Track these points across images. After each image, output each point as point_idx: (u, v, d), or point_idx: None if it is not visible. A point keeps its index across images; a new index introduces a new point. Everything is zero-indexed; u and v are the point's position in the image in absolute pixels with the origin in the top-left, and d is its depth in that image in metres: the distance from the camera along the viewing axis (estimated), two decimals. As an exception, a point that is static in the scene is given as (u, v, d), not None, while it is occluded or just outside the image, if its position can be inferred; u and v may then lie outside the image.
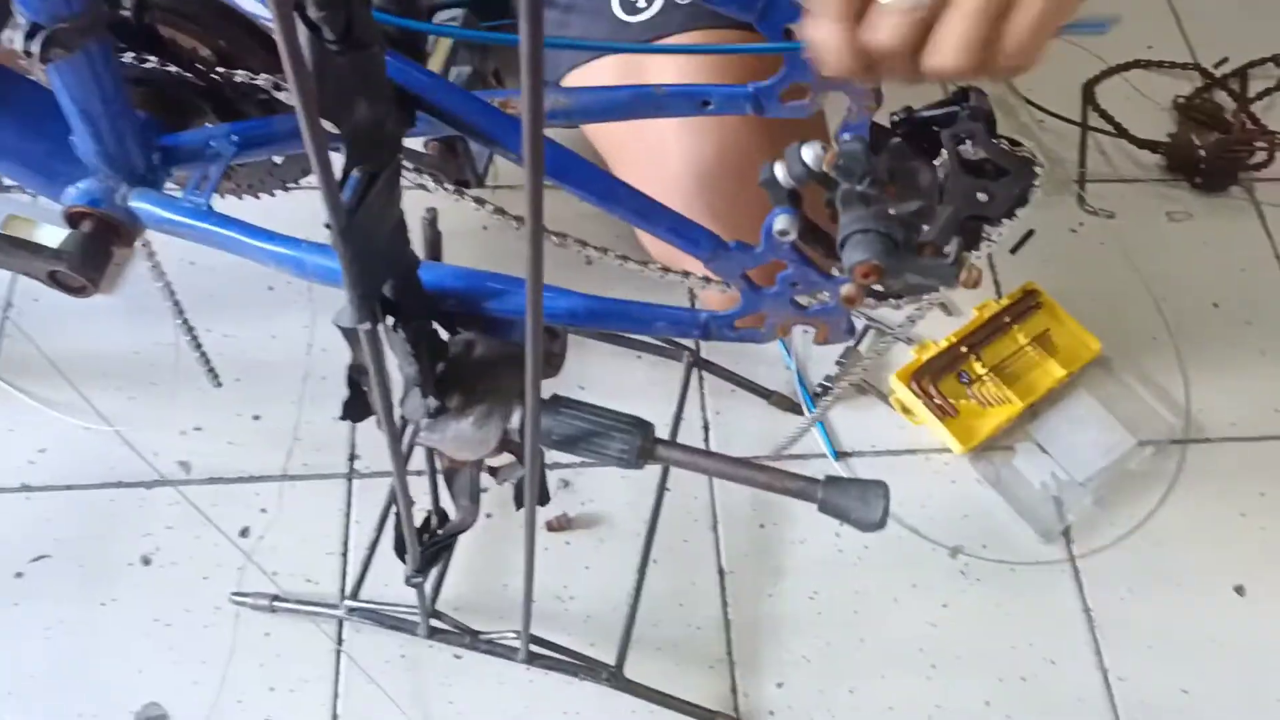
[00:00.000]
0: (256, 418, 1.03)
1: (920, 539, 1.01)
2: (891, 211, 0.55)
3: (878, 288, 0.63)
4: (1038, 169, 0.65)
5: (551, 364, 0.65)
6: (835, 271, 0.57)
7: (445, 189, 0.68)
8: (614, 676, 0.89)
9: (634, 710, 0.91)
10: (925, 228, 0.58)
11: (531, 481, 0.61)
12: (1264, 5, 1.47)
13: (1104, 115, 1.29)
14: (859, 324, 1.11)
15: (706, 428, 1.06)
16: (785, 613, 0.97)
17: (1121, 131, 1.28)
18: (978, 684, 0.95)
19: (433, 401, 0.63)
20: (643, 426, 0.63)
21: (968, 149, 0.63)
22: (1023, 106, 1.30)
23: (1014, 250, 1.18)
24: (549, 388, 0.99)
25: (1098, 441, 1.06)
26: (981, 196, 0.62)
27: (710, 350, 1.08)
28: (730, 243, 0.56)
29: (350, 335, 0.59)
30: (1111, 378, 1.11)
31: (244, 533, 0.98)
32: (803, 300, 0.59)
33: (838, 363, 1.08)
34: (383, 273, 0.56)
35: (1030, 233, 1.19)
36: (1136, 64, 1.36)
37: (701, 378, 1.08)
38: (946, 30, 0.47)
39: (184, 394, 1.03)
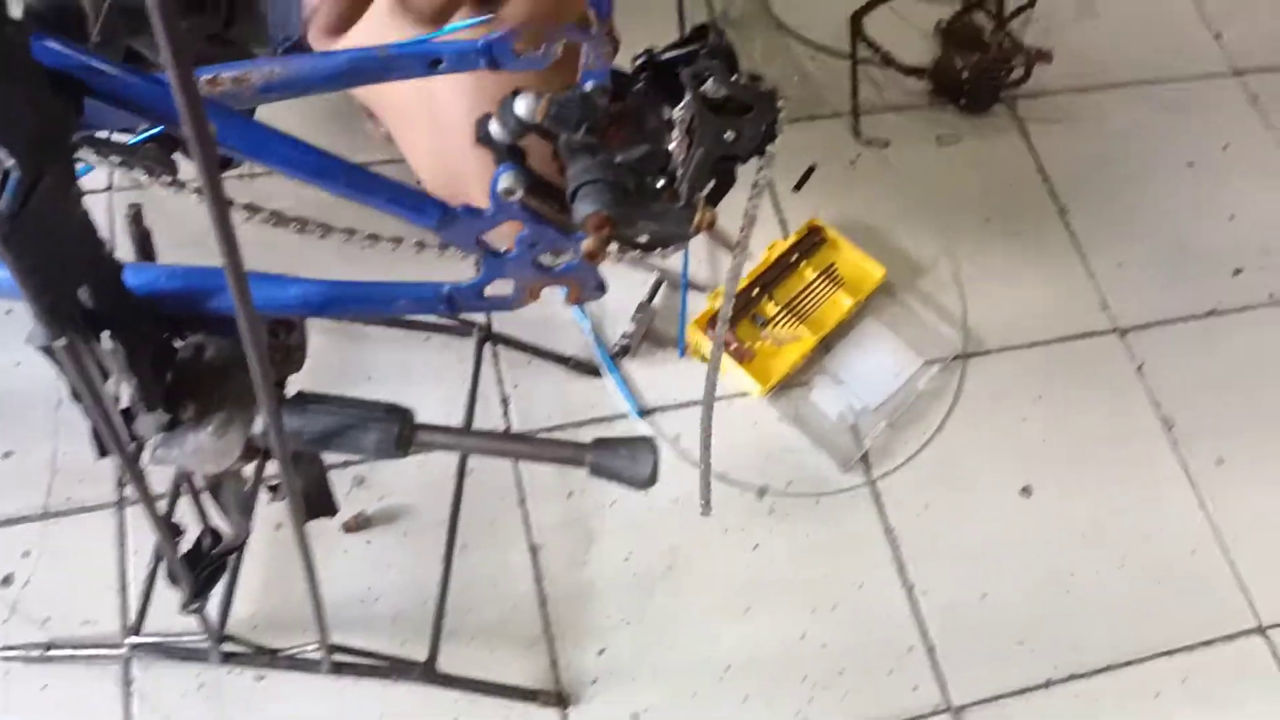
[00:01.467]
0: (7, 454, 0.94)
1: (728, 484, 1.01)
2: (619, 159, 0.52)
3: (641, 240, 0.61)
4: (779, 103, 0.64)
5: (292, 358, 0.60)
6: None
7: (162, 183, 0.62)
8: (426, 673, 0.85)
9: (455, 701, 0.88)
10: (662, 177, 0.56)
11: (291, 484, 0.57)
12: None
13: (871, 45, 1.31)
14: (651, 277, 1.10)
15: (505, 402, 1.03)
16: (601, 579, 0.96)
17: (888, 60, 1.30)
18: (793, 618, 0.96)
19: (162, 415, 0.58)
20: (399, 414, 0.60)
21: (710, 88, 0.61)
22: (794, 42, 1.30)
23: (797, 188, 1.19)
24: (313, 381, 0.93)
25: (887, 366, 1.09)
26: (729, 135, 0.61)
27: (503, 322, 1.05)
28: (457, 208, 0.52)
29: (50, 355, 0.53)
30: (896, 302, 1.13)
31: (6, 580, 0.89)
32: (545, 260, 0.56)
33: (633, 319, 1.06)
34: (72, 280, 0.50)
35: (812, 168, 1.20)
36: (898, -8, 1.38)
37: (495, 352, 1.04)
38: None
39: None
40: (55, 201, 0.46)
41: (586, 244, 0.54)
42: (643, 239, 0.62)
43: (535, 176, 0.52)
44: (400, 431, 0.59)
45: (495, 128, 0.50)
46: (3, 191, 0.43)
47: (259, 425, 0.59)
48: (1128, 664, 0.99)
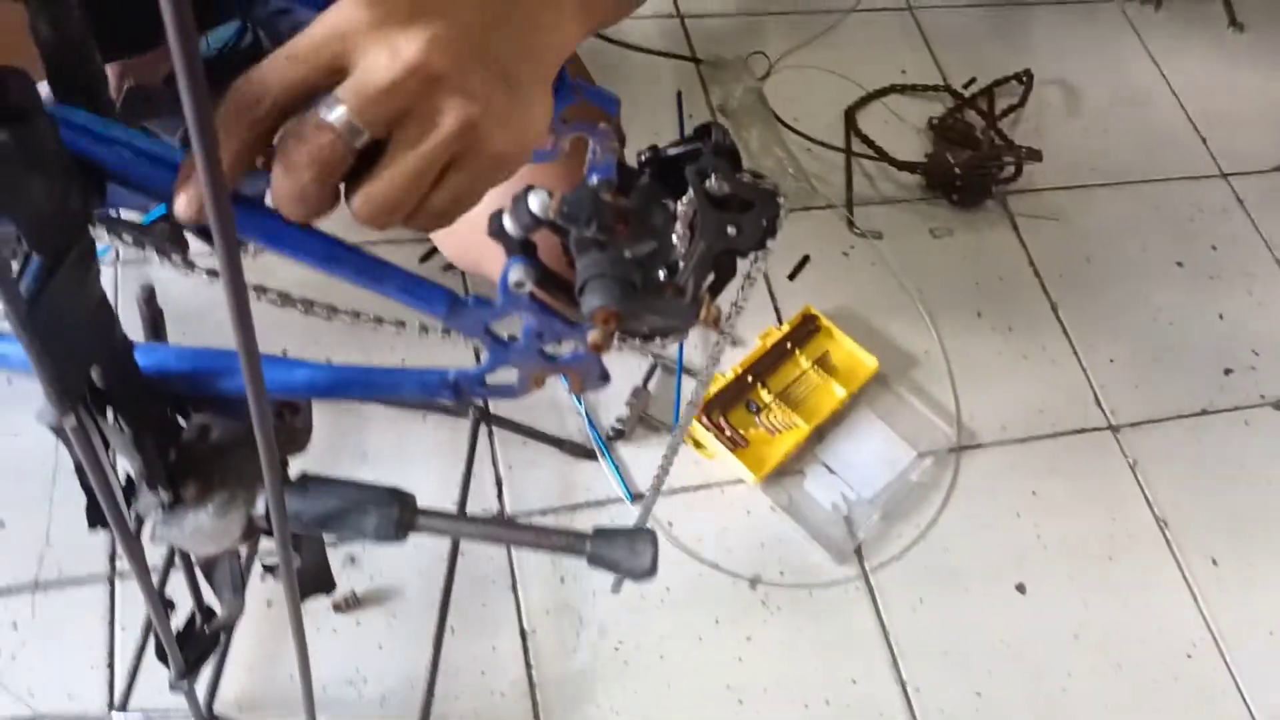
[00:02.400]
0: (0, 525, 0.94)
1: (720, 573, 1.01)
2: (627, 254, 0.54)
3: (644, 330, 0.62)
4: (780, 200, 0.66)
5: (297, 440, 0.61)
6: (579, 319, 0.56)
7: (172, 263, 0.63)
8: (414, 759, 0.84)
9: (441, 790, 0.87)
10: (664, 269, 0.57)
11: (288, 567, 0.57)
12: (1007, 26, 1.59)
13: (865, 140, 1.35)
14: (646, 363, 1.11)
15: (500, 484, 1.03)
16: (591, 667, 0.95)
17: (882, 155, 1.33)
18: (785, 713, 0.95)
19: (164, 494, 0.58)
20: (400, 498, 0.60)
21: (713, 184, 0.63)
22: (790, 135, 1.34)
23: (791, 277, 1.21)
24: (311, 459, 0.93)
25: (880, 457, 1.09)
26: (731, 230, 0.63)
27: (499, 404, 1.06)
28: (467, 298, 0.53)
29: (59, 433, 0.54)
30: (889, 393, 1.14)
31: (-8, 653, 0.88)
32: (551, 350, 0.57)
33: (627, 403, 1.07)
34: (84, 360, 0.51)
35: (806, 259, 1.23)
36: (893, 89, 1.43)
37: (491, 433, 1.05)
38: (380, 182, 0.45)
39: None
40: (74, 284, 0.47)
41: (593, 336, 0.55)
42: (644, 330, 0.63)
43: (545, 270, 0.53)
44: (400, 516, 0.59)
45: (508, 222, 0.51)
46: (23, 275, 0.44)
47: (259, 506, 0.59)
48: (1122, 766, 0.98)
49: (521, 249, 0.52)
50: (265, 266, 0.63)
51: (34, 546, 0.92)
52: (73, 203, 0.44)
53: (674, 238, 0.64)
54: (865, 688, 0.97)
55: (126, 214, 0.69)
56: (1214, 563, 1.10)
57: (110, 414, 0.55)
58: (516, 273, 0.52)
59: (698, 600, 0.99)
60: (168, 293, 0.69)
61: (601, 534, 0.60)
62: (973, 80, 1.46)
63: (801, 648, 0.99)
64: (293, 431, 0.59)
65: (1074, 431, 1.17)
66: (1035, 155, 1.31)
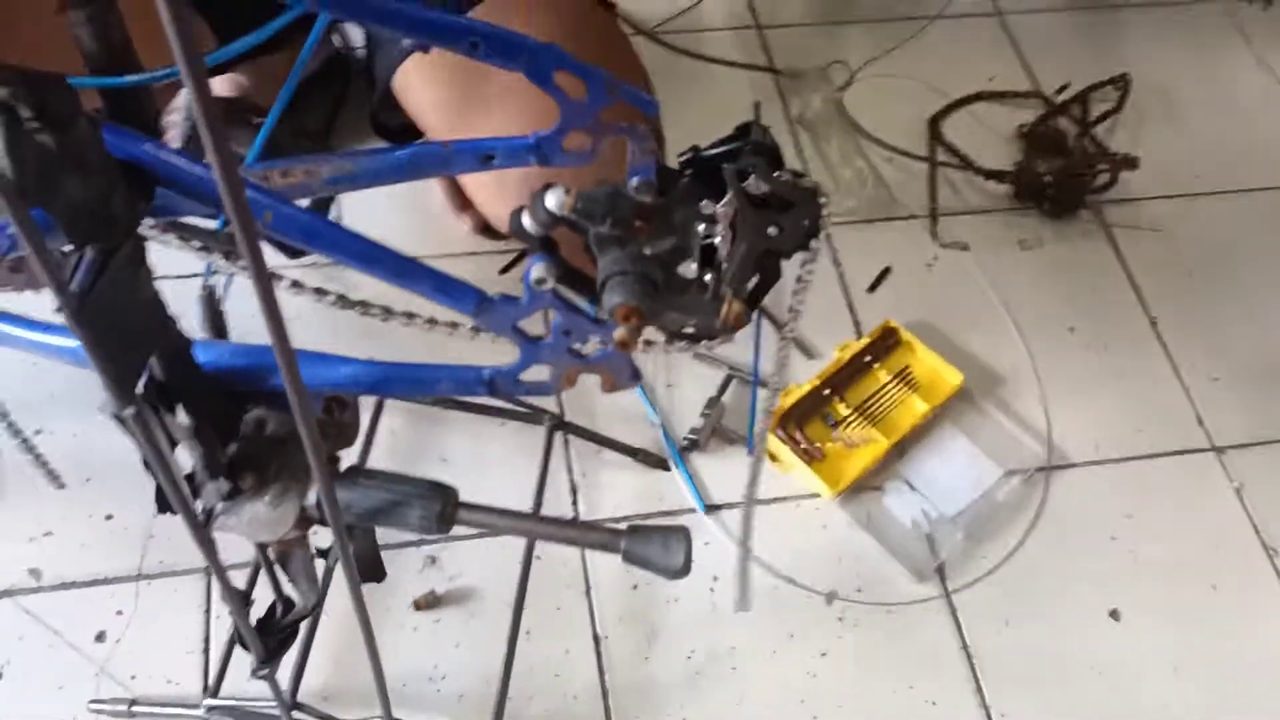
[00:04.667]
0: (109, 517, 1.00)
1: (795, 588, 1.00)
2: (647, 251, 0.55)
3: (673, 328, 0.63)
4: (823, 198, 0.66)
5: (344, 435, 0.64)
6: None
7: (240, 267, 0.68)
8: (485, 755, 0.86)
9: (512, 787, 0.89)
10: (709, 270, 0.58)
11: (346, 555, 0.60)
12: (1099, 30, 1.53)
13: (950, 149, 1.32)
14: (722, 373, 1.11)
15: (575, 491, 1.05)
16: (663, 675, 0.95)
17: (968, 163, 1.31)
18: (858, 731, 0.93)
19: (224, 484, 0.62)
20: (443, 491, 0.62)
21: (752, 184, 0.64)
22: (870, 144, 1.32)
23: (871, 289, 1.20)
24: (392, 461, 0.98)
25: (965, 475, 1.06)
26: (772, 231, 0.63)
27: (574, 411, 1.08)
28: (495, 296, 0.56)
29: (121, 423, 0.58)
30: (975, 409, 1.12)
31: (100, 637, 0.94)
32: (580, 348, 0.59)
33: (702, 414, 1.08)
34: (140, 354, 0.55)
35: (887, 270, 1.21)
36: (979, 96, 1.39)
37: (567, 441, 1.07)
38: None
39: (30, 499, 1.00)
40: (124, 281, 0.51)
41: (619, 333, 0.56)
42: (688, 330, 0.64)
43: (567, 267, 0.55)
44: (443, 509, 0.61)
45: (527, 220, 0.53)
46: (75, 273, 0.48)
47: (311, 497, 0.62)
48: (1222, 804, 0.93)
49: (542, 245, 0.54)
50: (341, 278, 0.67)
51: (138, 538, 0.99)
52: (116, 205, 0.48)
53: (715, 239, 0.65)
54: (945, 710, 0.95)
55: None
56: (1326, 593, 1.03)
57: (175, 409, 0.59)
58: (539, 270, 0.54)
59: (772, 614, 0.99)
60: (248, 299, 0.73)
61: (636, 531, 0.61)
62: (1065, 86, 1.41)
63: (879, 666, 0.97)
64: (341, 426, 0.62)
65: (1174, 453, 1.11)
66: (1132, 163, 1.26)
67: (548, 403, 1.06)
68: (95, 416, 1.08)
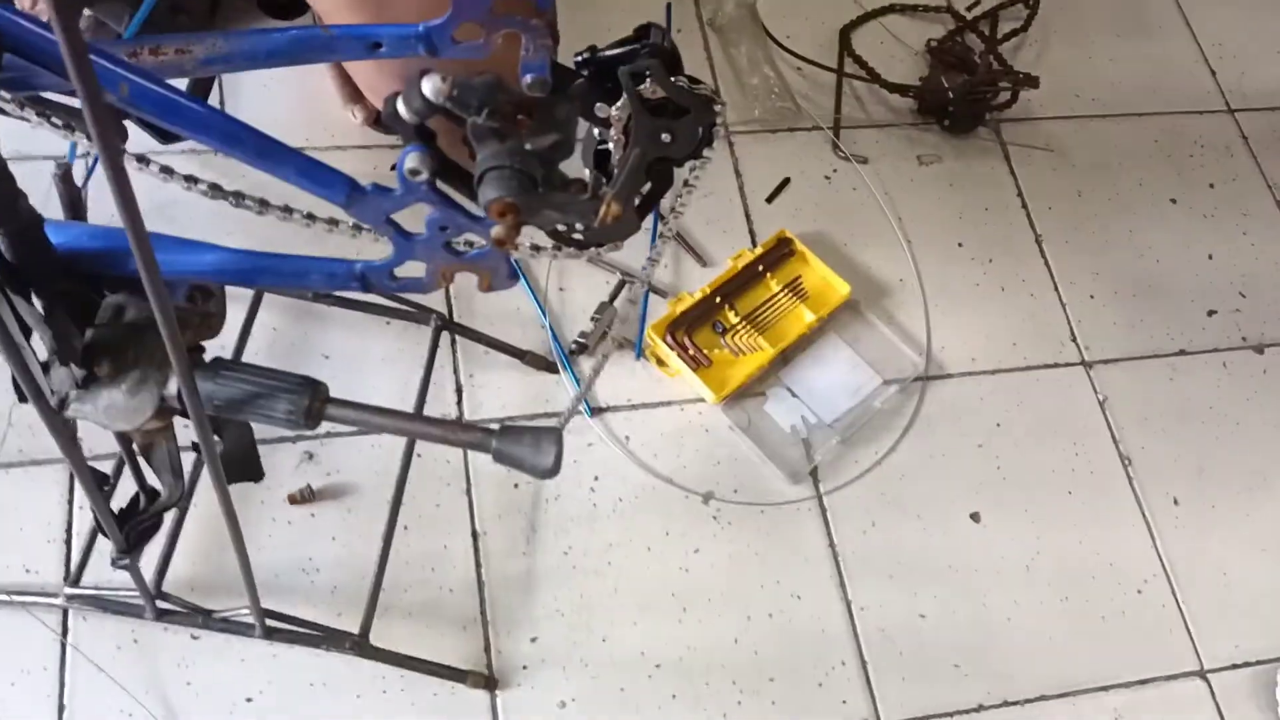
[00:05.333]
0: (-38, 408, 0.96)
1: (673, 487, 1.02)
2: (528, 147, 0.53)
3: (553, 227, 0.62)
4: (718, 106, 0.65)
5: (209, 324, 0.62)
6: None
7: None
8: (358, 645, 0.86)
9: (384, 676, 0.90)
10: (600, 175, 0.57)
11: (208, 446, 0.58)
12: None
13: (858, 60, 1.32)
14: (615, 279, 1.11)
15: (459, 391, 1.04)
16: (539, 569, 0.97)
17: (875, 77, 1.30)
18: (727, 623, 0.97)
19: (78, 371, 0.59)
20: (312, 386, 0.61)
21: (648, 88, 0.62)
22: (781, 53, 1.31)
23: (770, 199, 1.20)
24: (270, 358, 0.94)
25: (845, 383, 1.09)
26: (665, 137, 0.62)
27: (464, 313, 1.06)
28: (366, 185, 0.54)
29: (-34, 302, 0.55)
30: (860, 320, 1.14)
31: (-44, 527, 0.91)
32: (457, 245, 0.57)
33: (593, 318, 1.07)
34: (-15, 231, 0.52)
35: (786, 181, 1.21)
36: (891, 9, 1.39)
37: (454, 341, 1.06)
38: None
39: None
40: (-32, 152, 0.48)
41: (497, 230, 0.55)
42: (576, 235, 0.63)
43: (443, 159, 0.53)
44: (310, 404, 0.60)
45: (402, 107, 0.51)
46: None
47: (171, 387, 0.60)
48: (1062, 695, 0.99)
49: (418, 135, 0.52)
50: (219, 166, 0.63)
51: (-5, 430, 0.95)
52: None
53: (609, 143, 0.63)
54: (810, 604, 0.99)
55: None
56: (1175, 502, 1.10)
57: (24, 291, 0.56)
58: (412, 160, 0.52)
59: (649, 512, 1.01)
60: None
61: (508, 431, 0.60)
62: (976, 2, 1.41)
63: (749, 563, 1.00)
64: (205, 316, 0.60)
65: (1046, 366, 1.16)
66: (1032, 81, 1.27)
67: (436, 302, 1.04)
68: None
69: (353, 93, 1.13)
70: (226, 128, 0.51)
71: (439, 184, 0.54)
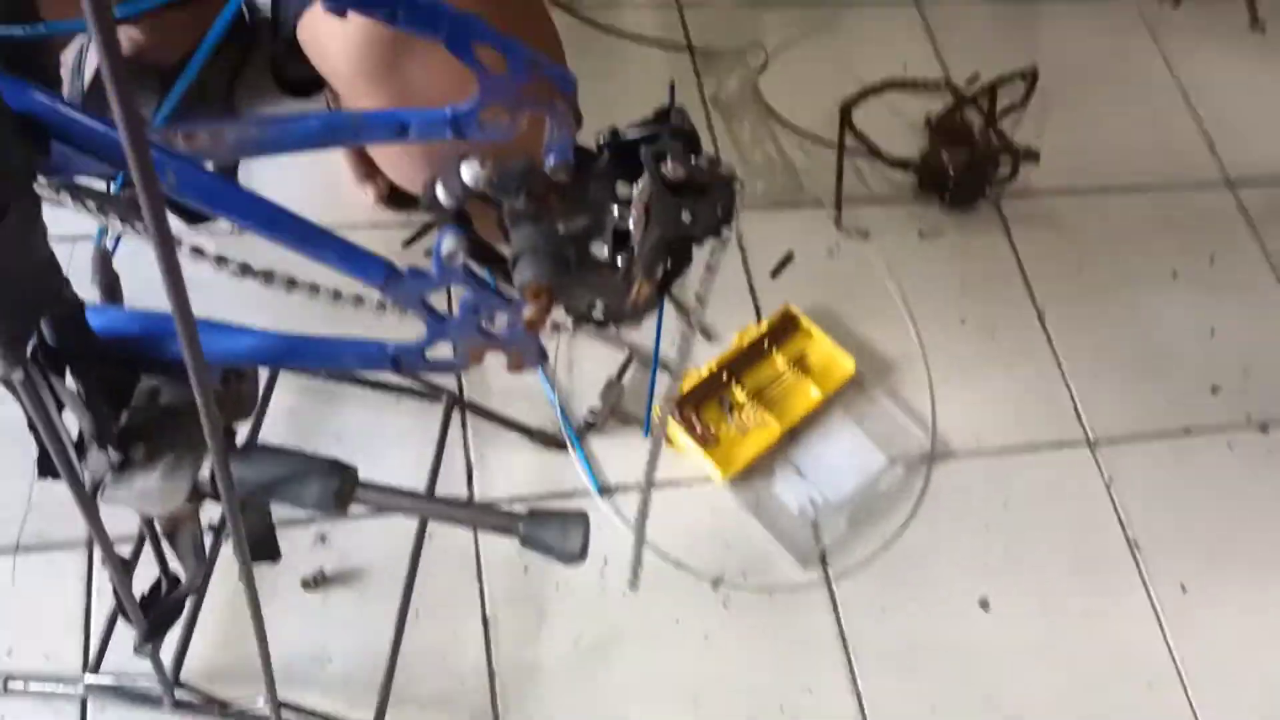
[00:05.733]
0: (-14, 490, 0.96)
1: (683, 571, 1.01)
2: (561, 229, 0.55)
3: (583, 308, 0.63)
4: (736, 186, 0.66)
5: (241, 407, 0.62)
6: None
7: (137, 232, 0.65)
8: (370, 735, 0.85)
9: (397, 767, 0.88)
10: (620, 253, 0.58)
11: (238, 530, 0.58)
12: (1014, 19, 1.58)
13: (859, 136, 1.35)
14: (621, 354, 1.12)
15: (470, 470, 1.04)
16: (550, 657, 0.96)
17: (875, 152, 1.33)
18: (737, 717, 0.95)
19: (114, 454, 0.59)
20: (341, 469, 0.61)
21: (669, 168, 0.64)
22: (783, 129, 1.34)
23: (774, 274, 1.22)
24: (284, 438, 0.95)
25: (851, 462, 1.09)
26: (685, 216, 0.63)
27: (472, 389, 1.07)
28: (404, 269, 0.55)
29: (8, 386, 0.55)
30: (865, 396, 1.15)
31: (-23, 613, 0.90)
32: (488, 325, 0.58)
33: (601, 395, 1.08)
34: (33, 315, 0.53)
35: (790, 256, 1.23)
36: (892, 84, 1.42)
37: (464, 419, 1.06)
38: None
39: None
40: (18, 237, 0.49)
41: (529, 312, 0.56)
42: (596, 314, 0.64)
43: (478, 241, 0.54)
44: (340, 487, 0.60)
45: (441, 191, 0.52)
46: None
47: (205, 471, 0.60)
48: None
49: (455, 218, 0.54)
50: (247, 246, 0.64)
51: (16, 509, 0.94)
52: (14, 158, 0.45)
53: (626, 220, 0.64)
54: (820, 696, 0.97)
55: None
56: (1183, 589, 1.09)
57: (61, 372, 0.57)
58: (449, 243, 0.53)
59: (659, 598, 1.00)
60: (144, 267, 0.70)
61: (536, 516, 0.61)
62: (975, 76, 1.44)
63: (760, 651, 0.99)
64: (239, 397, 0.60)
65: (1051, 444, 1.16)
66: (1032, 156, 1.30)
67: (445, 379, 1.05)
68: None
69: (365, 171, 1.15)
70: (270, 214, 0.53)
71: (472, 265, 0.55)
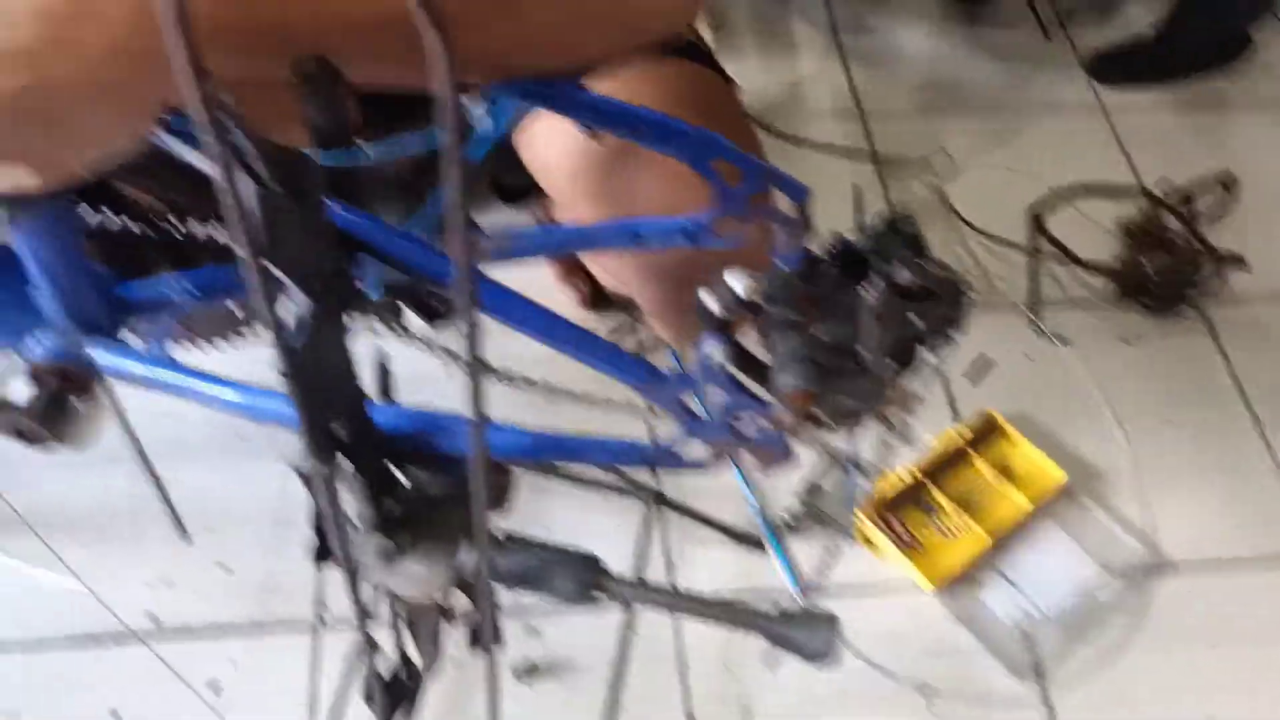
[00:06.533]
0: (227, 569, 1.03)
1: (892, 681, 0.99)
2: (821, 337, 0.57)
3: (823, 417, 0.65)
4: (966, 291, 0.68)
5: (501, 500, 0.66)
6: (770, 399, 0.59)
7: (394, 330, 0.71)
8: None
9: None
10: (860, 352, 0.60)
11: (488, 618, 0.61)
12: (1204, 128, 1.55)
13: (1053, 241, 1.33)
14: (818, 453, 1.12)
15: (670, 566, 1.05)
16: (757, 759, 0.95)
17: (1072, 257, 1.32)
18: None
19: (385, 540, 0.63)
20: (591, 562, 0.64)
21: (900, 274, 0.66)
22: (971, 234, 1.34)
23: (975, 381, 1.21)
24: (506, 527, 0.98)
25: (1065, 573, 1.06)
26: (914, 319, 0.65)
27: (672, 487, 1.09)
28: (665, 372, 0.58)
29: (306, 478, 0.60)
30: (1074, 505, 1.11)
31: (213, 685, 0.96)
32: (742, 428, 0.60)
33: (797, 495, 1.08)
34: (334, 412, 0.57)
35: (988, 363, 1.22)
36: (1082, 190, 1.41)
37: (661, 514, 1.08)
38: None
39: (153, 545, 1.03)
40: (331, 341, 0.54)
41: (785, 416, 0.58)
42: (832, 413, 0.66)
43: (741, 349, 0.57)
44: (593, 579, 0.63)
45: (711, 301, 0.55)
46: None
47: (463, 558, 0.64)
48: None
49: (720, 328, 0.56)
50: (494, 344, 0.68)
51: (253, 589, 1.01)
52: (337, 268, 0.51)
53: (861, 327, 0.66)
54: (1041, 813, 0.93)
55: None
56: None
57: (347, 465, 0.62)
58: (716, 352, 0.56)
59: (866, 704, 0.98)
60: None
61: (784, 615, 0.62)
62: (1168, 182, 1.41)
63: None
64: (499, 491, 0.64)
65: (1276, 555, 1.10)
66: (1239, 262, 1.26)
67: (644, 476, 1.07)
68: (221, 467, 1.11)
69: (566, 272, 1.19)
70: (548, 321, 0.56)
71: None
